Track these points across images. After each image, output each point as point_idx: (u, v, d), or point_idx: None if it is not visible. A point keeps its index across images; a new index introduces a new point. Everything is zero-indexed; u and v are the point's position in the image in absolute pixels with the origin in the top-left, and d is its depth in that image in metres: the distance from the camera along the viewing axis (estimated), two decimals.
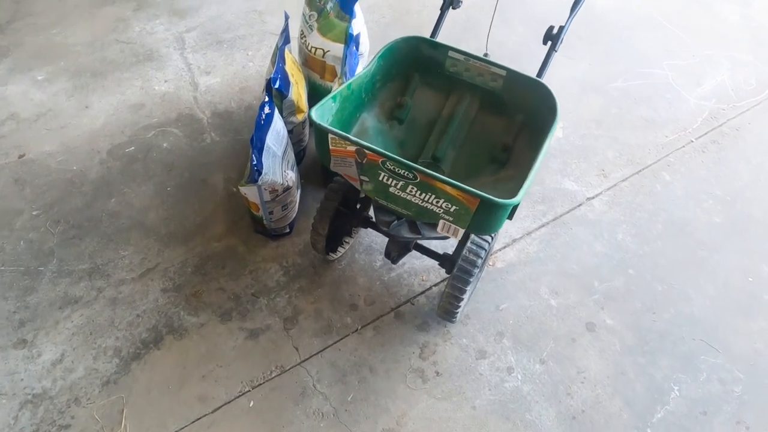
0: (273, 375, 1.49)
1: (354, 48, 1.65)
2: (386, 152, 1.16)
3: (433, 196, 1.18)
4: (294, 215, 1.75)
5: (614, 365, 1.56)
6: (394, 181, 1.20)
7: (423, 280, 1.70)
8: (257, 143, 1.48)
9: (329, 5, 1.74)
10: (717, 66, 2.42)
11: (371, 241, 1.77)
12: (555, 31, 1.45)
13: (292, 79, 1.70)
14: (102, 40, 2.35)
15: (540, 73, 1.46)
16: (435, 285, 1.69)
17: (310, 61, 1.85)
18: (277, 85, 1.56)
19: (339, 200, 1.50)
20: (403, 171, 1.16)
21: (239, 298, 1.64)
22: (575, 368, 1.55)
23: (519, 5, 2.60)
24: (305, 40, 1.81)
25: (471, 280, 1.38)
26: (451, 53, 1.46)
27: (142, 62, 2.26)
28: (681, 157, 2.05)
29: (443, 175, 1.46)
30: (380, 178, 1.22)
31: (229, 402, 1.44)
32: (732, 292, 1.71)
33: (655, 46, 2.47)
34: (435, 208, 1.20)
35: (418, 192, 1.19)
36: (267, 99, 1.51)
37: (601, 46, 2.45)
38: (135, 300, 1.62)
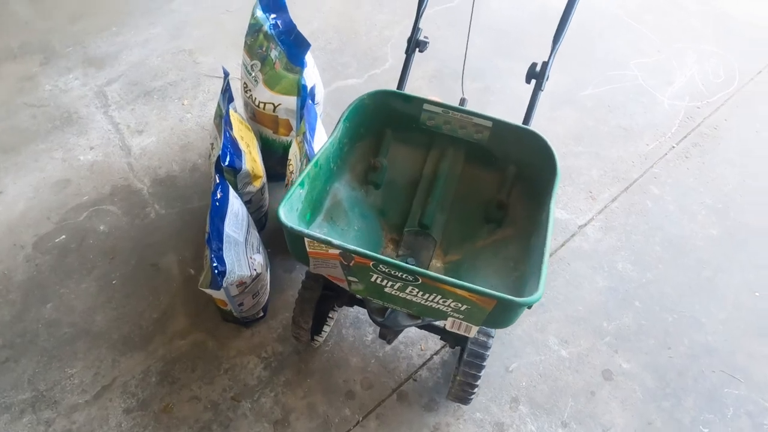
0: None
1: (310, 102, 1.44)
2: (378, 256, 0.97)
3: (440, 297, 1.00)
4: (266, 298, 1.54)
5: (639, 416, 1.44)
6: (390, 282, 1.02)
7: (422, 350, 1.53)
8: (215, 238, 1.25)
9: (273, 53, 1.51)
10: (684, 60, 2.33)
11: (357, 311, 1.58)
12: (538, 68, 1.29)
13: (242, 144, 1.47)
14: (7, 105, 2.01)
15: (528, 118, 1.30)
16: (435, 353, 1.53)
17: (259, 116, 1.62)
18: (227, 162, 1.33)
19: (320, 289, 1.30)
20: (401, 273, 0.98)
21: (218, 405, 1.42)
22: (600, 427, 1.42)
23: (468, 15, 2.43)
24: (251, 94, 1.58)
25: (485, 363, 1.22)
26: (426, 106, 1.27)
27: (59, 128, 1.95)
28: (666, 167, 1.95)
29: (434, 244, 1.30)
30: (373, 280, 1.03)
31: None
32: (742, 312, 1.63)
33: (621, 45, 2.36)
34: (442, 307, 1.03)
35: (421, 293, 1.01)
36: (218, 180, 1.28)
37: (565, 51, 2.32)
38: (93, 429, 1.38)
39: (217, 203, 1.26)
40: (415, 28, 1.33)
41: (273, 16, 1.56)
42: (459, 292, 0.96)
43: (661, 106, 2.13)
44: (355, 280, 1.06)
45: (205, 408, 1.41)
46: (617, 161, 1.95)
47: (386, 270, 0.98)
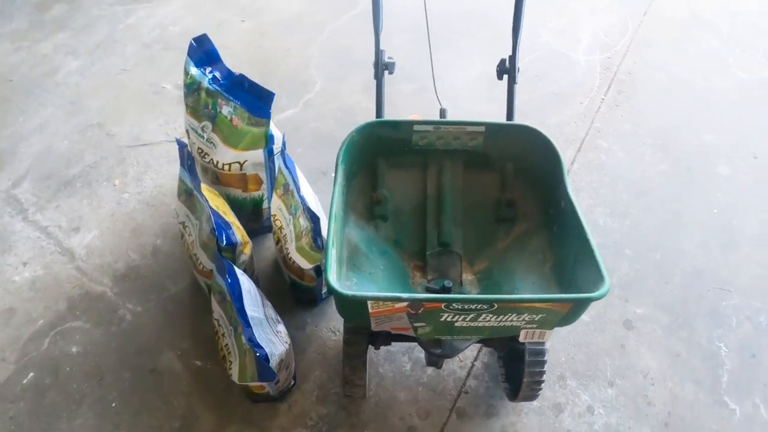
0: None
1: (285, 150, 1.35)
2: (449, 296, 0.95)
3: (514, 314, 1.00)
4: (293, 363, 1.43)
5: (666, 352, 1.56)
6: (462, 316, 0.99)
7: (461, 361, 1.53)
8: (245, 325, 1.13)
9: (225, 110, 1.38)
10: (583, 17, 2.51)
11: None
12: (508, 63, 1.31)
13: (222, 214, 1.35)
14: None
15: (510, 114, 1.33)
16: (475, 360, 1.53)
17: (224, 178, 1.49)
18: (225, 242, 1.21)
19: (366, 341, 1.23)
20: (475, 305, 0.96)
21: None
22: (640, 374, 1.52)
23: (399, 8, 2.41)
24: (210, 158, 1.44)
25: (546, 358, 1.24)
26: (416, 127, 1.24)
27: None
28: (603, 119, 2.10)
29: (459, 258, 1.29)
30: (443, 319, 1.00)
31: None
32: (711, 232, 1.82)
33: (526, 16, 2.48)
34: (515, 323, 1.02)
35: (494, 317, 1.00)
36: (225, 266, 1.16)
37: (479, 33, 2.39)
38: None
39: (232, 289, 1.15)
40: (378, 51, 1.29)
41: (209, 69, 1.44)
42: (537, 305, 0.96)
43: (578, 64, 2.28)
44: (423, 324, 1.02)
45: None
46: (562, 125, 2.07)
47: (459, 307, 0.95)
